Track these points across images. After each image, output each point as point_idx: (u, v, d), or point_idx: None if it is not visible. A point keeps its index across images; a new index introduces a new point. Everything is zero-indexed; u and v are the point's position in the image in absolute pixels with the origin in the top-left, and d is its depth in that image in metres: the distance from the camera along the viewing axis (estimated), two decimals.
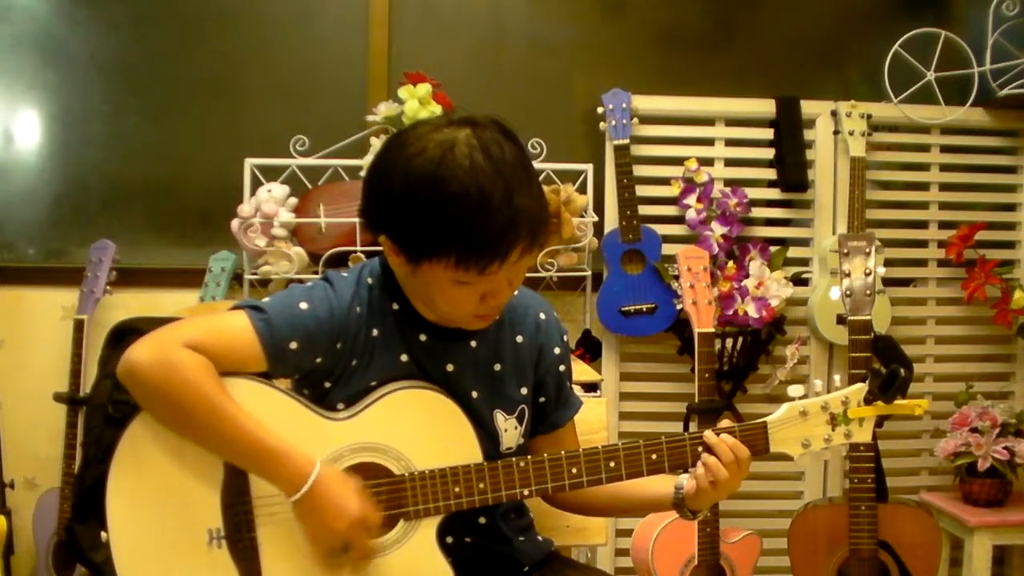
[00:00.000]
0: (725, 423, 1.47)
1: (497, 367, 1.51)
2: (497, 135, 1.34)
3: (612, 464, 1.43)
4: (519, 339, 1.54)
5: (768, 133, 3.03)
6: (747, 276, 2.87)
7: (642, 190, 2.91)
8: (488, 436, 1.48)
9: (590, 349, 2.94)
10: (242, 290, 2.90)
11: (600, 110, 2.91)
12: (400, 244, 1.35)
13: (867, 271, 2.43)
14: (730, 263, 2.87)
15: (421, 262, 1.34)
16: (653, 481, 1.52)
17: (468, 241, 1.30)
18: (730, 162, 3.03)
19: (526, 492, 1.43)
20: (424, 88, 2.71)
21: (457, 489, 1.40)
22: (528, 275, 1.45)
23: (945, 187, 3.10)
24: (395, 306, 1.46)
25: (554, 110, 3.15)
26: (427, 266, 1.34)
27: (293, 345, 1.37)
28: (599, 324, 2.90)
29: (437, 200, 1.29)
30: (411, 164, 1.31)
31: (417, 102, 2.70)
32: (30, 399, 2.92)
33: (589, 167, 2.92)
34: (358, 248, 2.67)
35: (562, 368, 1.59)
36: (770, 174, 3.03)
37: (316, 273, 2.72)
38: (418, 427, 1.42)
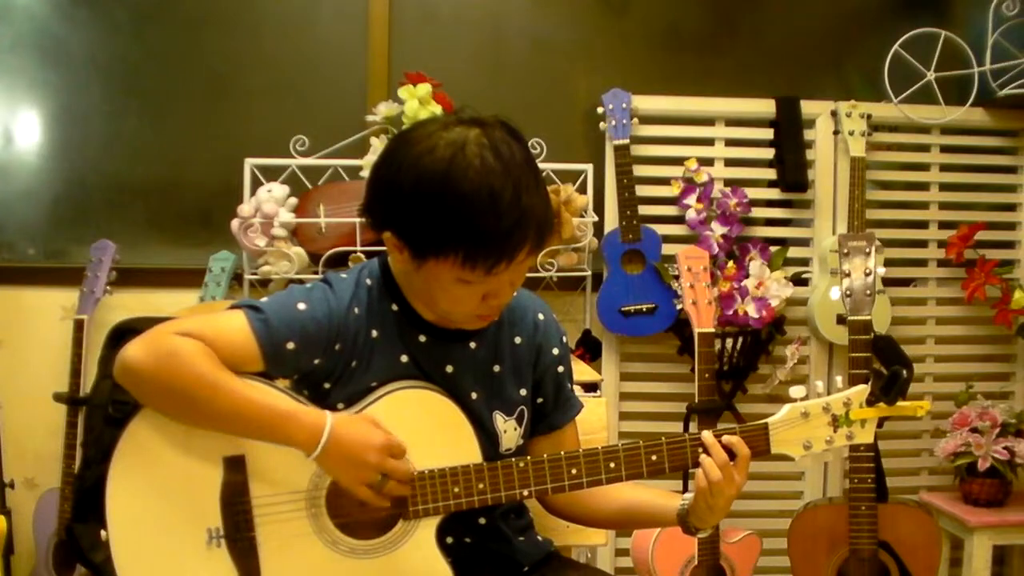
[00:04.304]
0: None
1: (496, 368, 1.51)
2: (505, 135, 1.34)
3: (612, 465, 1.43)
4: (518, 340, 1.54)
5: (768, 133, 3.03)
6: (747, 276, 2.86)
7: (642, 190, 2.91)
8: (487, 437, 1.48)
9: (590, 349, 2.94)
10: (242, 290, 2.90)
11: (600, 110, 2.91)
12: (406, 240, 1.35)
13: (867, 271, 2.43)
14: (730, 263, 2.87)
15: (427, 259, 1.34)
16: (660, 496, 1.53)
17: (477, 240, 1.30)
18: (730, 162, 3.03)
19: (525, 493, 1.42)
20: (424, 88, 2.71)
21: (456, 489, 1.40)
22: (528, 275, 1.45)
23: (945, 187, 3.10)
24: (394, 307, 1.46)
25: (554, 110, 3.15)
26: (432, 264, 1.34)
27: (291, 346, 1.37)
28: (599, 324, 2.90)
29: (447, 199, 1.29)
30: (421, 162, 1.31)
31: (417, 102, 2.70)
32: (30, 399, 2.92)
33: (589, 167, 2.92)
34: (358, 248, 2.67)
35: (561, 369, 1.59)
36: (770, 174, 3.03)
37: (316, 273, 2.72)
38: (417, 427, 1.41)
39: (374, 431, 1.36)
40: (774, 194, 3.04)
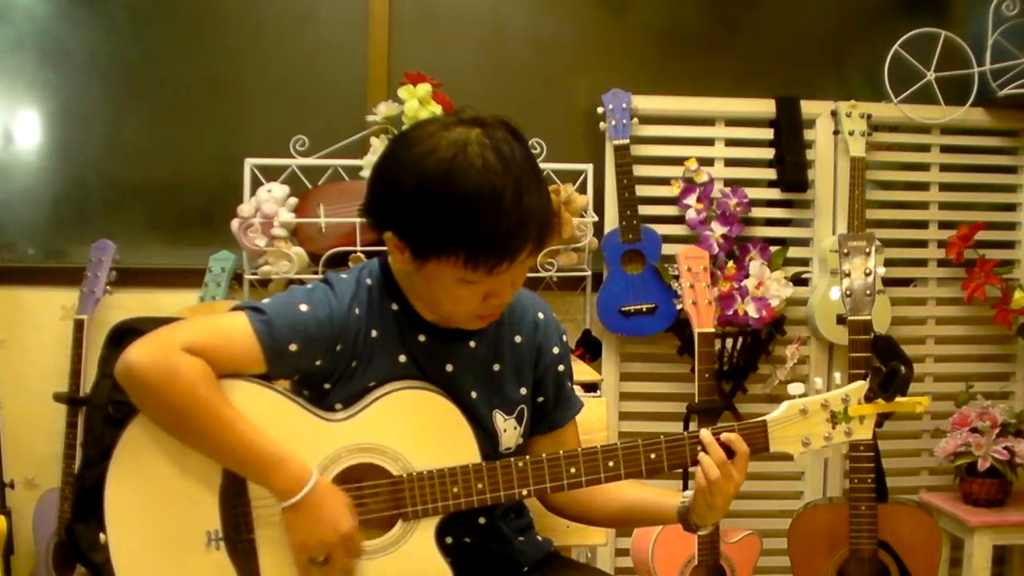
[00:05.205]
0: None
1: (496, 367, 1.51)
2: (506, 135, 1.34)
3: (611, 464, 1.43)
4: (518, 339, 1.54)
5: (768, 133, 3.03)
6: (747, 276, 2.86)
7: (642, 190, 2.91)
8: (487, 436, 1.48)
9: (590, 349, 2.94)
10: (242, 290, 2.90)
11: (600, 110, 2.91)
12: (407, 241, 1.35)
13: (867, 271, 2.43)
14: (730, 263, 2.87)
15: (428, 260, 1.34)
16: (660, 494, 1.53)
17: (478, 240, 1.30)
18: (730, 162, 3.03)
19: (524, 492, 1.42)
20: (424, 88, 2.71)
21: (456, 489, 1.40)
22: (528, 275, 1.45)
23: (945, 187, 3.10)
24: (394, 306, 1.46)
25: (554, 110, 3.14)
26: (433, 264, 1.34)
27: (293, 347, 1.37)
28: (599, 324, 2.90)
29: (449, 199, 1.29)
30: (422, 162, 1.31)
31: (417, 102, 2.70)
32: (30, 399, 2.92)
33: (589, 167, 2.92)
34: (358, 248, 2.67)
35: (561, 368, 1.59)
36: (770, 174, 3.03)
37: (316, 273, 2.72)
38: (416, 428, 1.42)
39: (347, 517, 1.36)
40: (774, 194, 3.04)
